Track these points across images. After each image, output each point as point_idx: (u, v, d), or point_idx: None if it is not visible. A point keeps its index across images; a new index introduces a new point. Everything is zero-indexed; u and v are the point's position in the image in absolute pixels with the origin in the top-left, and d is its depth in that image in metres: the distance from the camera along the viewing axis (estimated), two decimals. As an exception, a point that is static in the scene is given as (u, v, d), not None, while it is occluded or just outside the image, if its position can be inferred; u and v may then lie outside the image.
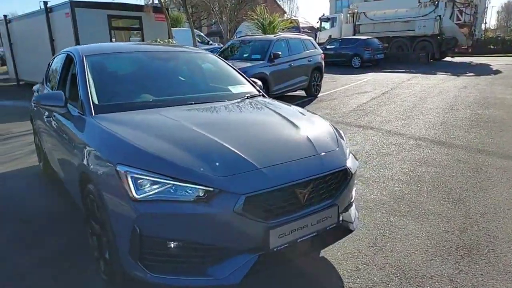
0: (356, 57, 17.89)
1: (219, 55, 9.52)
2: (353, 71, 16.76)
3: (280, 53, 8.50)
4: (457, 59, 21.17)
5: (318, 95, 10.20)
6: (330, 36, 22.39)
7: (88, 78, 2.86)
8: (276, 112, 2.84)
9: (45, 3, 12.35)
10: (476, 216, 3.26)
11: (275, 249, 2.00)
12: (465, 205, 3.47)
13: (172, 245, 1.92)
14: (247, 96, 3.30)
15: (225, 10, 18.60)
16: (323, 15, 24.49)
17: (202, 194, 1.89)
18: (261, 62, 8.29)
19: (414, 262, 2.61)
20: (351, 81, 13.29)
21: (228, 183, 1.92)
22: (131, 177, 1.91)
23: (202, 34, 25.71)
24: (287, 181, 2.04)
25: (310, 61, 9.73)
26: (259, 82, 3.81)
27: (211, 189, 1.89)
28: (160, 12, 12.54)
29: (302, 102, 9.31)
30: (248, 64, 8.06)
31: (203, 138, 2.22)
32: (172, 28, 24.23)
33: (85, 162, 2.29)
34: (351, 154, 2.68)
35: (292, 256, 2.18)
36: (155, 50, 3.76)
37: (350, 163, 2.47)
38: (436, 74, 14.63)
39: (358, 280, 2.44)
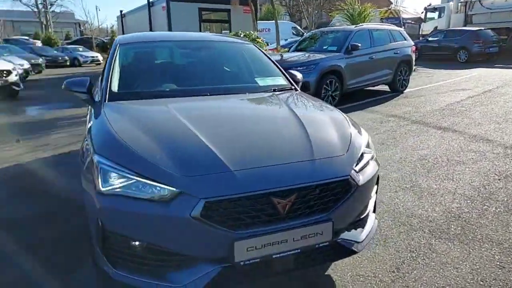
0: (463, 51, 15.79)
1: (296, 46, 9.29)
2: (457, 65, 14.85)
3: (359, 44, 7.86)
4: None
5: (405, 91, 9.24)
6: (435, 27, 20.16)
7: (113, 65, 2.94)
8: (290, 109, 2.55)
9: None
10: (553, 252, 2.53)
11: (241, 263, 1.77)
12: (542, 237, 2.72)
13: (135, 244, 1.82)
14: (273, 90, 3.06)
15: (311, 1, 18.00)
16: (429, 4, 22.11)
17: (166, 194, 1.76)
18: (337, 54, 7.79)
19: (439, 300, 2.12)
20: (450, 76, 11.77)
21: (190, 184, 1.75)
22: (101, 168, 1.87)
23: (297, 26, 25.51)
24: (261, 188, 1.78)
25: (397, 53, 8.83)
26: (299, 76, 3.51)
27: (173, 189, 1.75)
28: (247, 4, 12.68)
29: (382, 98, 8.54)
30: (321, 56, 7.65)
31: (187, 134, 2.07)
32: (268, 21, 24.50)
33: (84, 147, 2.34)
34: (372, 161, 2.28)
35: (267, 273, 1.91)
36: (193, 39, 3.71)
37: (360, 173, 2.09)
38: None
39: (358, 309, 2.07)
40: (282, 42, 14.26)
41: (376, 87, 9.17)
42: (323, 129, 2.32)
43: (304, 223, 1.85)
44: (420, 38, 19.05)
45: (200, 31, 12.14)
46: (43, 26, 47.62)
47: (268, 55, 3.62)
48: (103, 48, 30.67)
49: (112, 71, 2.91)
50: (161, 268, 1.82)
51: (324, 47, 8.55)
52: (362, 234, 2.17)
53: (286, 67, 7.32)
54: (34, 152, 5.13)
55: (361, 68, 8.11)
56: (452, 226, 2.89)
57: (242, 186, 1.76)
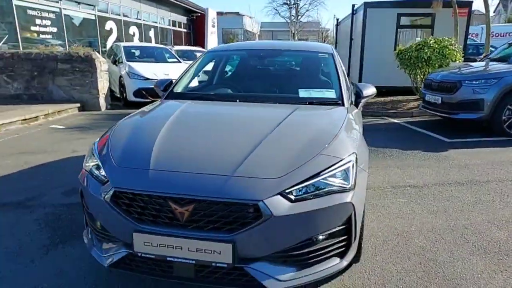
0: None
1: (496, 54, 7.51)
2: None
3: None
4: None
5: None
6: None
7: (190, 69, 3.52)
8: (280, 123, 2.43)
9: (353, 5, 13.69)
10: None
11: (139, 254, 1.94)
12: None
13: (93, 217, 2.21)
14: (309, 102, 2.91)
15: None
16: None
17: (103, 178, 2.10)
18: (538, 66, 5.89)
19: None
20: None
21: (114, 173, 2.05)
22: (90, 150, 2.42)
23: None
24: (160, 190, 1.89)
25: None
26: (365, 91, 3.07)
27: (105, 175, 2.09)
28: (462, 6, 10.93)
29: None
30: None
31: (153, 132, 2.35)
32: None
33: None
34: (338, 194, 1.96)
35: (169, 275, 1.97)
36: (266, 48, 3.84)
37: (298, 203, 1.87)
38: None
39: None
40: None
41: None
42: (279, 148, 2.14)
43: (200, 237, 1.85)
44: None
45: (396, 37, 11.40)
46: (292, 34, 54.96)
47: (338, 66, 3.30)
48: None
49: (186, 73, 3.49)
50: (101, 238, 2.21)
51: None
52: (289, 273, 1.92)
53: (456, 80, 6.20)
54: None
55: None
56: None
57: (148, 184, 1.94)
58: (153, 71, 9.52)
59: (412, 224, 3.14)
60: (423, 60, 8.69)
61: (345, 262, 2.06)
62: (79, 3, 14.70)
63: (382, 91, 11.55)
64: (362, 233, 2.28)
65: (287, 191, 1.88)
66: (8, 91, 9.27)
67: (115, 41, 16.76)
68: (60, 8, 13.73)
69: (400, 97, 10.16)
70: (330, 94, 3.02)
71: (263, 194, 1.83)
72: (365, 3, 11.51)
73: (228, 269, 1.89)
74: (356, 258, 2.30)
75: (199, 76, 4.24)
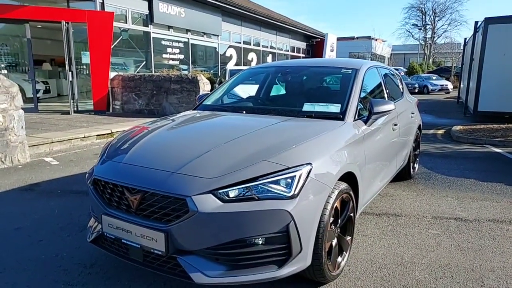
0: None
1: None
2: None
3: None
4: None
5: None
6: None
7: (224, 84, 3.90)
8: (259, 132, 2.56)
9: (476, 22, 12.26)
10: None
11: (105, 234, 2.27)
12: None
13: None
14: (308, 116, 2.91)
15: None
16: None
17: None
18: None
19: None
20: None
21: (99, 164, 2.47)
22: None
23: None
24: (120, 180, 2.20)
25: None
26: (382, 107, 2.86)
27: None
28: None
29: None
30: None
31: (150, 133, 2.73)
32: None
33: None
34: (275, 201, 2.00)
35: (127, 256, 2.22)
36: (296, 65, 3.95)
37: (232, 203, 1.97)
38: None
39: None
40: None
41: None
42: (231, 152, 2.25)
43: (144, 224, 2.09)
44: None
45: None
46: (425, 56, 51.21)
47: (355, 82, 3.12)
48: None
49: (219, 88, 3.86)
50: (93, 219, 2.56)
51: None
52: (219, 271, 2.00)
53: None
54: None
55: None
56: None
57: (114, 174, 2.27)
58: (248, 91, 10.26)
59: (426, 256, 2.76)
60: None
61: (284, 271, 2.04)
62: (204, 33, 16.78)
63: (504, 118, 9.96)
64: (322, 247, 2.17)
65: (220, 191, 1.99)
66: (134, 106, 11.16)
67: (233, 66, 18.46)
68: (188, 38, 15.91)
69: (522, 125, 8.62)
70: (334, 108, 2.94)
71: (193, 191, 1.98)
72: (486, 19, 10.22)
73: (166, 258, 2.07)
74: (316, 272, 2.24)
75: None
